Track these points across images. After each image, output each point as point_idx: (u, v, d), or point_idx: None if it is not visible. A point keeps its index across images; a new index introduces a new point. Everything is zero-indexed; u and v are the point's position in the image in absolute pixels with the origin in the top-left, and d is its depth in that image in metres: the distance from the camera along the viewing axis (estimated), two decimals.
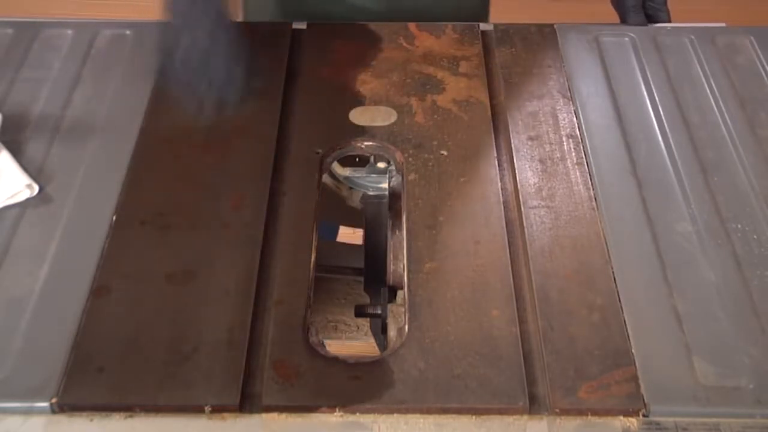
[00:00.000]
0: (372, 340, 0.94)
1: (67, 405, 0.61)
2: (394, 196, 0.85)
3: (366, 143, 0.83)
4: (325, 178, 0.88)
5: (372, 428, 0.60)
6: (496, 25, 0.96)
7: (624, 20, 0.98)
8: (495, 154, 0.80)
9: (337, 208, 0.96)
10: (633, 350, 0.64)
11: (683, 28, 0.96)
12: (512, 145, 0.81)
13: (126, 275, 0.69)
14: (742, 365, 0.64)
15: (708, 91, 0.88)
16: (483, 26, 0.96)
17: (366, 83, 0.88)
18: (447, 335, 0.65)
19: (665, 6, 0.98)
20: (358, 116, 0.84)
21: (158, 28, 0.80)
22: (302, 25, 0.96)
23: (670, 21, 0.98)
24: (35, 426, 0.60)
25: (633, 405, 0.61)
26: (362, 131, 0.83)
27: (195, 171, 0.78)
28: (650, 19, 0.98)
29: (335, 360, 0.64)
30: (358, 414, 0.61)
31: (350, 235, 1.09)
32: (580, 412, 0.61)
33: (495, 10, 1.15)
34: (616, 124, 0.84)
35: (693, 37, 0.95)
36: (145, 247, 0.71)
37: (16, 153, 0.79)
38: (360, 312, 0.81)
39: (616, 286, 0.69)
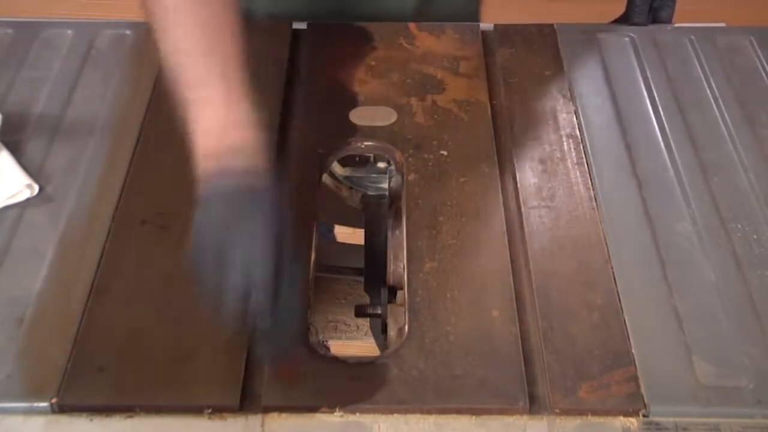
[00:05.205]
0: (372, 340, 0.94)
1: (67, 405, 0.60)
2: (394, 196, 0.84)
3: (366, 143, 0.82)
4: (325, 178, 0.88)
5: (372, 428, 0.60)
6: (496, 25, 0.96)
7: (628, 17, 0.98)
8: (495, 154, 0.80)
9: (337, 208, 0.96)
10: (633, 350, 0.64)
11: (683, 28, 0.96)
12: (512, 145, 0.81)
13: (126, 275, 0.69)
14: (742, 365, 0.64)
15: (708, 91, 0.88)
16: (483, 26, 0.96)
17: (366, 83, 0.88)
18: (447, 335, 0.65)
19: (673, 2, 0.97)
20: (358, 116, 0.84)
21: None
22: (302, 25, 0.96)
23: (672, 18, 0.98)
24: (35, 426, 0.60)
25: (633, 405, 0.61)
26: (362, 131, 0.83)
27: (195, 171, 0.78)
28: (654, 12, 0.97)
29: (335, 360, 0.64)
30: (358, 414, 0.61)
31: (350, 235, 1.09)
32: (580, 412, 0.61)
33: (495, 10, 1.15)
34: (616, 124, 0.84)
35: (693, 37, 0.95)
36: (145, 247, 0.71)
37: (16, 153, 0.79)
38: (360, 312, 0.81)
39: (616, 286, 0.69)
